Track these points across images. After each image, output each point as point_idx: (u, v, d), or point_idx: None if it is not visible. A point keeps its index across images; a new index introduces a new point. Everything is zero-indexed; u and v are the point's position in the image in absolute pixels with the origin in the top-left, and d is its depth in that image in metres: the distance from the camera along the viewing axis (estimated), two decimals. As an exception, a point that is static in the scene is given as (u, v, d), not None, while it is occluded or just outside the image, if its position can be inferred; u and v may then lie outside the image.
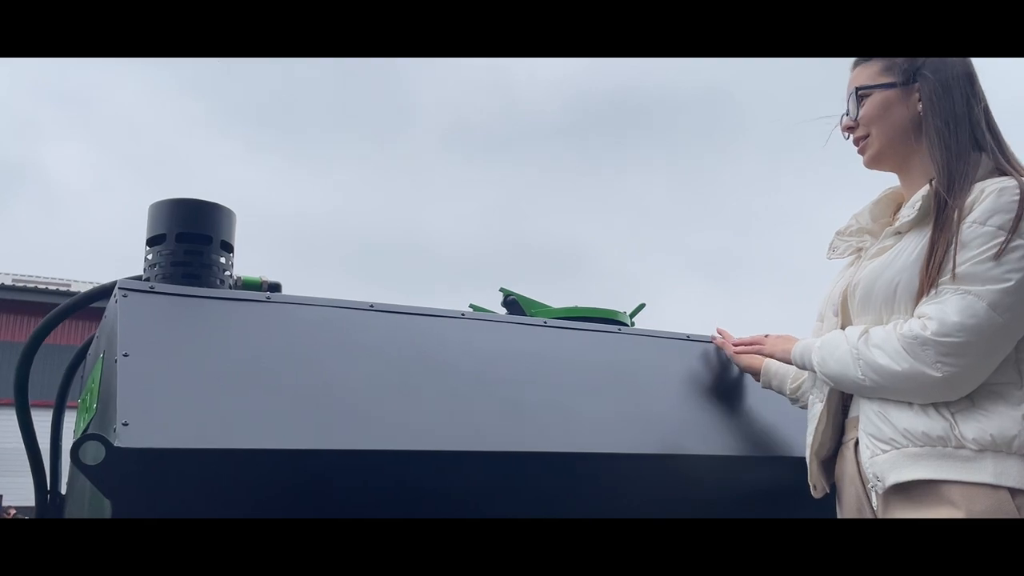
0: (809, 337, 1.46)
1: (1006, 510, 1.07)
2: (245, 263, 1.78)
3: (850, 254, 1.42)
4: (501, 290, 2.25)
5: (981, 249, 1.13)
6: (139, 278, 1.63)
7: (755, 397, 1.77)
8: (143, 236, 1.69)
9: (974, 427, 1.11)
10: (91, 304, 1.76)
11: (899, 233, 1.28)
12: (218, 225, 1.67)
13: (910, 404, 1.17)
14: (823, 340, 1.30)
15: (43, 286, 13.47)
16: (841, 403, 1.35)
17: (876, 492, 1.19)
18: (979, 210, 1.15)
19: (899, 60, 1.30)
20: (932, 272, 1.16)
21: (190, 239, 1.63)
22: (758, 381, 1.72)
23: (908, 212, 1.25)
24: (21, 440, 1.87)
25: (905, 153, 1.32)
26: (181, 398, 1.20)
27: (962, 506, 1.08)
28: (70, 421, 1.88)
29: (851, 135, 1.38)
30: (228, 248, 1.69)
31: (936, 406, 1.15)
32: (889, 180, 1.42)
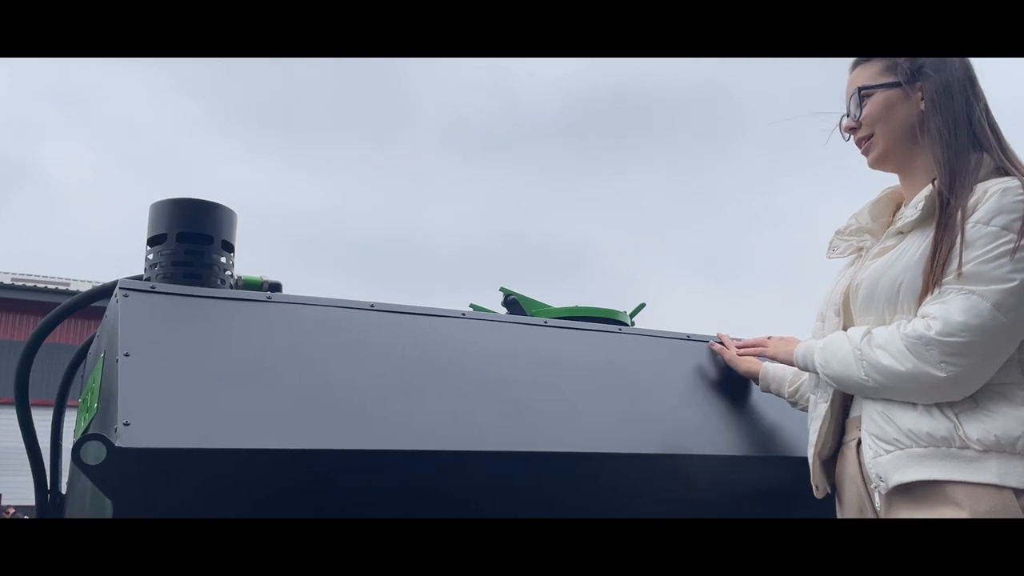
0: (809, 337, 1.46)
1: (1010, 510, 1.07)
2: (245, 263, 1.78)
3: (850, 253, 1.42)
4: (501, 290, 2.25)
5: (985, 249, 1.13)
6: (140, 278, 1.63)
7: (755, 397, 1.77)
8: (143, 236, 1.69)
9: (978, 428, 1.11)
10: (92, 303, 1.76)
11: (901, 233, 1.28)
12: (219, 225, 1.67)
13: (914, 404, 1.17)
14: (825, 341, 1.30)
15: (42, 285, 13.46)
16: (842, 403, 1.35)
17: (879, 492, 1.19)
18: (983, 210, 1.16)
19: (900, 60, 1.30)
20: (936, 272, 1.16)
21: (191, 239, 1.62)
22: (758, 385, 1.72)
23: (911, 212, 1.25)
24: (21, 439, 1.87)
25: (908, 153, 1.32)
26: (182, 398, 1.20)
27: (966, 506, 1.08)
28: (70, 420, 1.88)
29: (853, 136, 1.37)
30: (229, 248, 1.69)
31: (940, 407, 1.15)
32: (888, 180, 1.42)
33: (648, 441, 1.51)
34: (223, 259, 1.67)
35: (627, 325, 2.10)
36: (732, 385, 1.78)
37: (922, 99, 1.28)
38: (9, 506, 10.34)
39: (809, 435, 1.39)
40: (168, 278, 1.59)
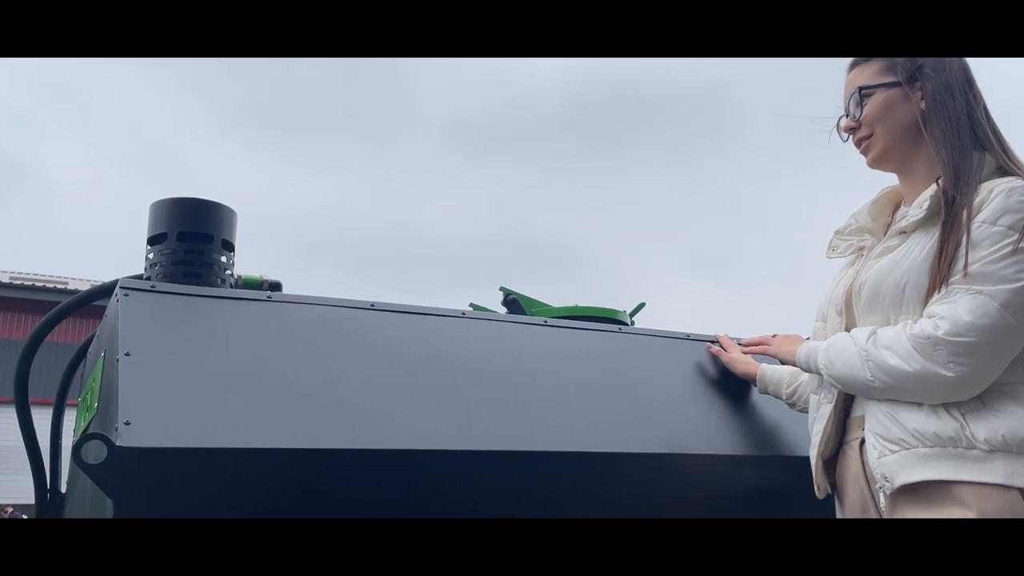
0: (810, 338, 1.46)
1: (1017, 510, 1.07)
2: (245, 262, 1.78)
3: (850, 253, 1.42)
4: (501, 289, 2.25)
5: (992, 249, 1.13)
6: (140, 277, 1.63)
7: (755, 397, 1.77)
8: (143, 235, 1.69)
9: (985, 428, 1.11)
10: (92, 302, 1.76)
11: (904, 232, 1.28)
12: (219, 224, 1.67)
13: (919, 404, 1.17)
14: (829, 342, 1.29)
15: (41, 284, 13.45)
16: (844, 402, 1.35)
17: (884, 493, 1.19)
18: (988, 210, 1.16)
19: (899, 60, 1.31)
20: (942, 272, 1.16)
21: (191, 238, 1.62)
22: (755, 386, 1.73)
23: (916, 212, 1.25)
24: (21, 438, 1.87)
25: (908, 152, 1.32)
26: (183, 397, 1.20)
27: (973, 506, 1.08)
28: (70, 419, 1.88)
29: (852, 136, 1.38)
30: (229, 247, 1.69)
31: (946, 407, 1.15)
32: (887, 179, 1.43)
33: (648, 440, 1.51)
34: (223, 258, 1.67)
35: (627, 325, 2.10)
36: (732, 385, 1.78)
37: (922, 99, 1.28)
38: (7, 505, 10.34)
39: (811, 435, 1.39)
40: (168, 277, 1.59)
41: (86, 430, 1.46)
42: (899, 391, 1.18)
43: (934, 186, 1.24)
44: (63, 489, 2.02)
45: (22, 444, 1.87)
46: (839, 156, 1.41)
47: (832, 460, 1.36)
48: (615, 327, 1.85)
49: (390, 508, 1.32)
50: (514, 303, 2.23)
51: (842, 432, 1.35)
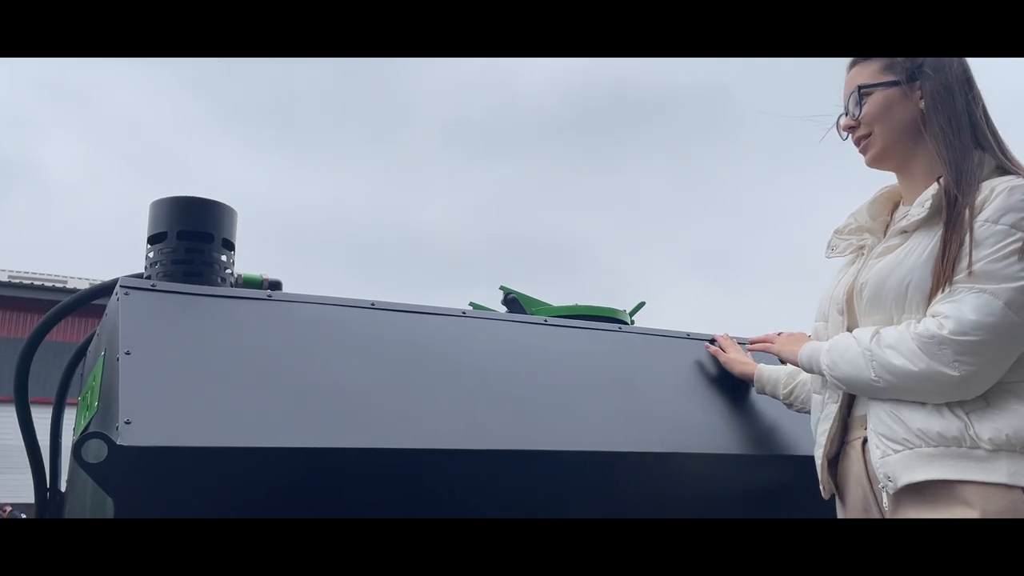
0: (811, 337, 1.45)
1: (1021, 510, 1.07)
2: (244, 261, 1.78)
3: (850, 253, 1.42)
4: (501, 288, 2.25)
5: (996, 247, 1.13)
6: (140, 276, 1.63)
7: (755, 395, 1.77)
8: (142, 233, 1.69)
9: (989, 427, 1.11)
10: (92, 301, 1.76)
11: (905, 232, 1.28)
12: (219, 223, 1.67)
13: (923, 404, 1.17)
14: (832, 343, 1.29)
15: (39, 282, 13.44)
16: (847, 401, 1.34)
17: (887, 492, 1.19)
18: (991, 208, 1.16)
19: (899, 59, 1.31)
20: (946, 271, 1.16)
21: (191, 237, 1.62)
22: (753, 387, 1.73)
23: (918, 211, 1.24)
24: (20, 437, 1.87)
25: (907, 152, 1.32)
26: (183, 396, 1.20)
27: (977, 506, 1.08)
28: (69, 418, 1.88)
29: (851, 135, 1.38)
30: (229, 246, 1.69)
31: (950, 406, 1.15)
32: (887, 179, 1.43)
33: (648, 439, 1.51)
34: (224, 257, 1.67)
35: (627, 324, 2.11)
36: (732, 384, 1.79)
37: (921, 98, 1.29)
38: (6, 504, 10.34)
39: (816, 436, 1.38)
40: (169, 276, 1.59)
41: (86, 429, 1.46)
42: (904, 391, 1.18)
43: (935, 185, 1.24)
44: (63, 488, 2.02)
45: (22, 443, 1.87)
46: (839, 156, 1.41)
47: (835, 460, 1.36)
48: (615, 326, 1.85)
49: (390, 507, 1.32)
50: (514, 302, 2.23)
51: (844, 431, 1.34)
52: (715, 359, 1.83)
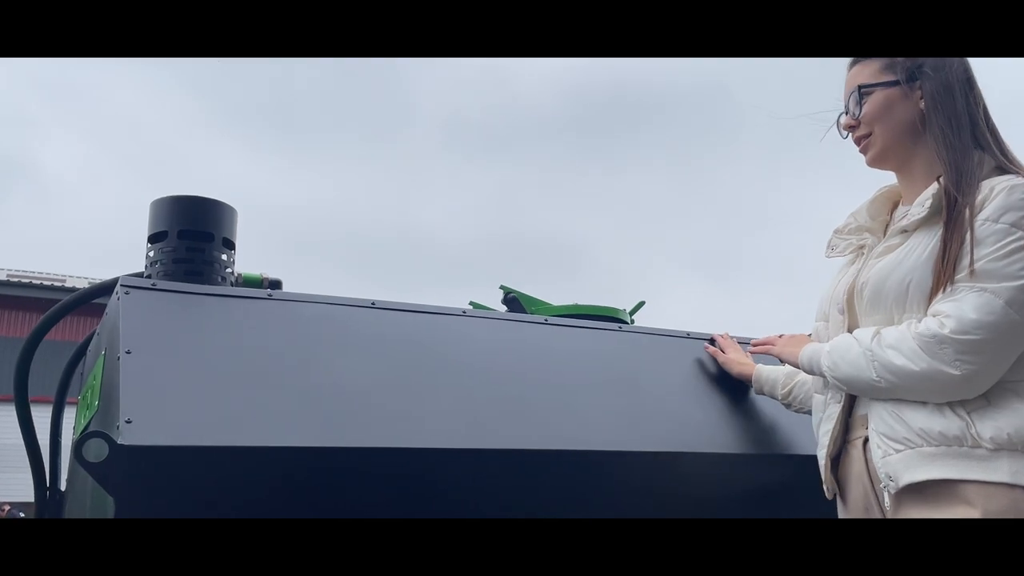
0: (811, 337, 1.45)
1: (1022, 509, 1.07)
2: (244, 260, 1.78)
3: (850, 252, 1.42)
4: (501, 288, 2.25)
5: (996, 246, 1.13)
6: (140, 275, 1.63)
7: (755, 395, 1.77)
8: (140, 232, 1.69)
9: (991, 426, 1.11)
10: (92, 300, 1.76)
11: (906, 231, 1.28)
12: (220, 222, 1.67)
13: (924, 403, 1.17)
14: (832, 344, 1.29)
15: (38, 281, 13.43)
16: (848, 401, 1.34)
17: (888, 492, 1.19)
18: (991, 208, 1.16)
19: (899, 59, 1.31)
20: (946, 270, 1.16)
21: (192, 236, 1.62)
22: (751, 387, 1.73)
23: (918, 210, 1.24)
24: (20, 436, 1.87)
25: (907, 152, 1.32)
26: (184, 395, 1.20)
27: (978, 505, 1.08)
28: (69, 417, 1.88)
29: (852, 134, 1.38)
30: (230, 245, 1.69)
31: (952, 405, 1.15)
32: (888, 178, 1.43)
33: (648, 439, 1.51)
34: (224, 256, 1.67)
35: (627, 323, 2.11)
36: (732, 383, 1.79)
37: (921, 98, 1.29)
38: (4, 503, 10.33)
39: (819, 436, 1.38)
40: (169, 275, 1.59)
41: (87, 428, 1.46)
42: (905, 390, 1.18)
43: (935, 184, 1.24)
44: (63, 487, 2.02)
45: (21, 442, 1.87)
46: (839, 155, 1.41)
47: (837, 459, 1.36)
48: (615, 325, 1.85)
49: (391, 506, 1.32)
50: (514, 301, 2.23)
51: (846, 431, 1.34)
52: (715, 359, 1.83)
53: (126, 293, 1.37)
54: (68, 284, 13.79)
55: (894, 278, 1.23)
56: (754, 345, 1.71)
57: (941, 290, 1.17)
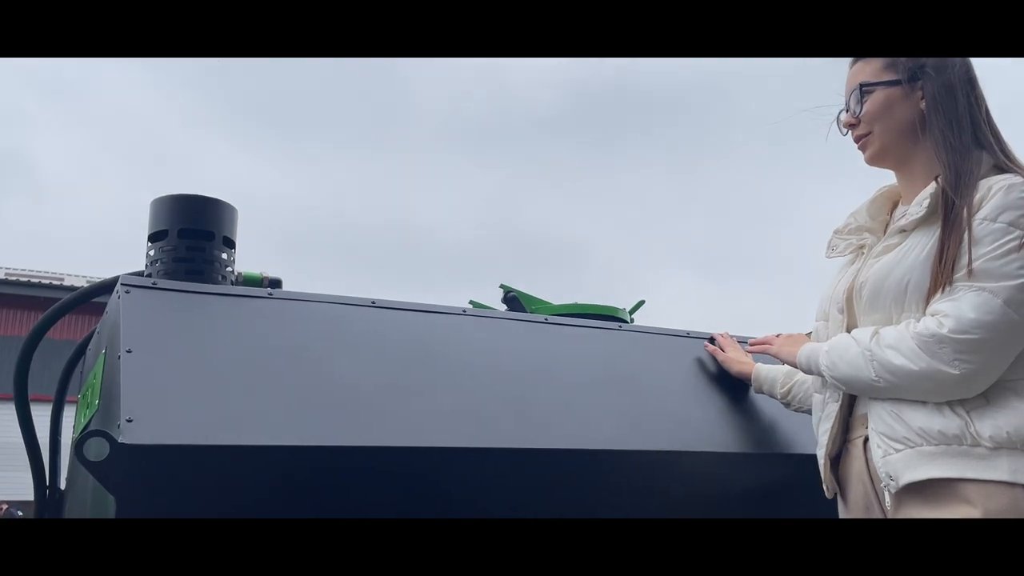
0: (811, 333, 1.46)
1: (1022, 507, 1.07)
2: (244, 259, 1.78)
3: (850, 252, 1.42)
4: (501, 287, 2.26)
5: (994, 246, 1.14)
6: (141, 273, 1.63)
7: (755, 394, 1.77)
8: (138, 231, 1.68)
9: (990, 424, 1.11)
10: (92, 299, 1.76)
11: (904, 231, 1.28)
12: (220, 221, 1.66)
13: (924, 403, 1.17)
14: (831, 344, 1.29)
15: (36, 280, 13.41)
16: (848, 400, 1.34)
17: (889, 491, 1.19)
18: (988, 207, 1.16)
19: (901, 58, 1.31)
20: (944, 270, 1.16)
21: (192, 235, 1.62)
22: (751, 386, 1.73)
23: (916, 210, 1.25)
24: (20, 435, 1.86)
25: (906, 151, 1.32)
26: (185, 394, 1.20)
27: (978, 504, 1.08)
28: (69, 416, 1.88)
29: (851, 132, 1.38)
30: (230, 244, 1.69)
31: (951, 404, 1.15)
32: (889, 178, 1.43)
33: (648, 438, 1.52)
34: (224, 255, 1.66)
35: (627, 322, 2.11)
36: (731, 382, 1.79)
37: (922, 98, 1.29)
38: (2, 502, 10.32)
39: (818, 436, 1.38)
40: (169, 274, 1.59)
41: (87, 427, 1.46)
42: (904, 390, 1.18)
43: (934, 184, 1.24)
44: (62, 486, 2.02)
45: (20, 440, 1.87)
46: (839, 154, 1.42)
47: (837, 459, 1.36)
48: (615, 324, 1.85)
49: (392, 505, 1.32)
50: (514, 300, 2.23)
51: (846, 430, 1.34)
52: (714, 358, 1.83)
53: (127, 292, 1.37)
54: (66, 283, 13.78)
55: (893, 278, 1.24)
56: (752, 344, 1.72)
57: (940, 290, 1.17)
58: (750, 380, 1.72)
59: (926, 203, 1.23)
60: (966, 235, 1.15)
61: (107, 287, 1.61)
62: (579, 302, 2.10)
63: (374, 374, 1.40)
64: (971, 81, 1.28)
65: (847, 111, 1.38)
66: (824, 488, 1.36)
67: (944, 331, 1.13)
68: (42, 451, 1.93)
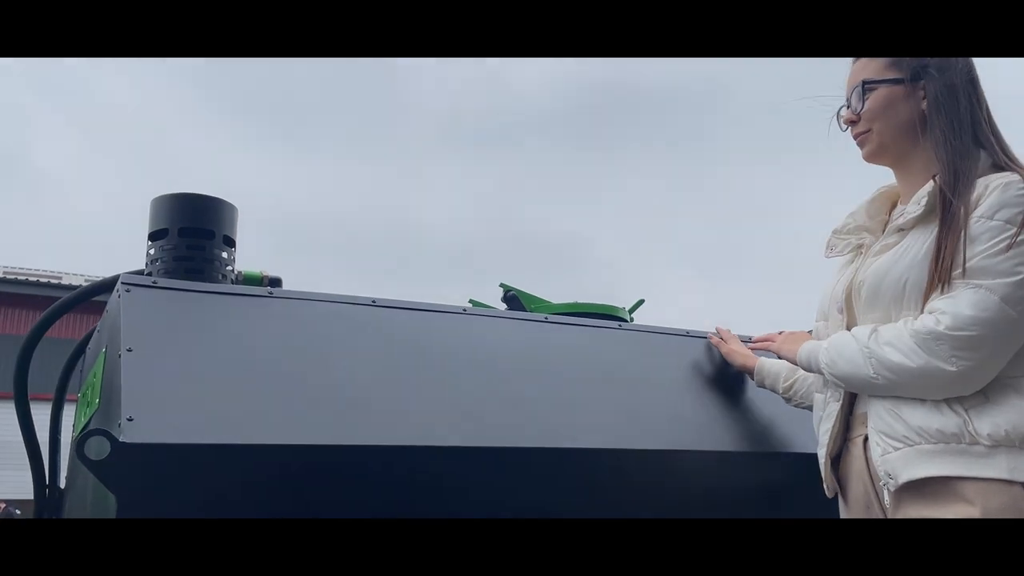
0: (812, 332, 1.46)
1: (1021, 506, 1.07)
2: (244, 258, 1.78)
3: (849, 252, 1.42)
4: (501, 286, 2.26)
5: (991, 243, 1.14)
6: (141, 272, 1.63)
7: (755, 393, 1.78)
8: (138, 229, 1.68)
9: (988, 422, 1.11)
10: (92, 298, 1.76)
11: (902, 230, 1.28)
12: (220, 220, 1.66)
13: (922, 401, 1.17)
14: (830, 341, 1.30)
15: (34, 278, 13.40)
16: (848, 399, 1.35)
17: (888, 490, 1.19)
18: (985, 205, 1.16)
19: (905, 57, 1.31)
20: (943, 268, 1.17)
21: (192, 234, 1.62)
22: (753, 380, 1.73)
23: (914, 208, 1.25)
24: (19, 434, 1.86)
25: (905, 149, 1.32)
26: (185, 393, 1.20)
27: (977, 502, 1.09)
28: (69, 415, 1.88)
29: (851, 128, 1.38)
30: (230, 243, 1.69)
31: (949, 402, 1.15)
32: (890, 177, 1.43)
33: (648, 437, 1.52)
34: (224, 254, 1.66)
35: (626, 321, 2.11)
36: (731, 381, 1.79)
37: (924, 98, 1.29)
38: (1, 500, 10.31)
39: (819, 435, 1.38)
40: (169, 273, 1.59)
41: (87, 426, 1.46)
42: (902, 387, 1.18)
43: (931, 182, 1.24)
44: (62, 484, 2.02)
45: (20, 439, 1.87)
46: (840, 155, 1.42)
47: (838, 458, 1.36)
48: (615, 324, 1.85)
49: (392, 504, 1.32)
50: (514, 299, 2.23)
51: (846, 429, 1.35)
52: (715, 356, 1.83)
53: (127, 291, 1.37)
54: (64, 281, 13.77)
55: (891, 276, 1.24)
56: (754, 342, 1.72)
57: (938, 288, 1.17)
58: (752, 374, 1.72)
59: (924, 202, 1.23)
60: (963, 233, 1.16)
61: (107, 286, 1.60)
62: (579, 301, 2.10)
63: (374, 373, 1.40)
64: (973, 81, 1.29)
65: (848, 107, 1.38)
66: (824, 487, 1.37)
67: (941, 328, 1.13)
68: (42, 450, 1.93)
